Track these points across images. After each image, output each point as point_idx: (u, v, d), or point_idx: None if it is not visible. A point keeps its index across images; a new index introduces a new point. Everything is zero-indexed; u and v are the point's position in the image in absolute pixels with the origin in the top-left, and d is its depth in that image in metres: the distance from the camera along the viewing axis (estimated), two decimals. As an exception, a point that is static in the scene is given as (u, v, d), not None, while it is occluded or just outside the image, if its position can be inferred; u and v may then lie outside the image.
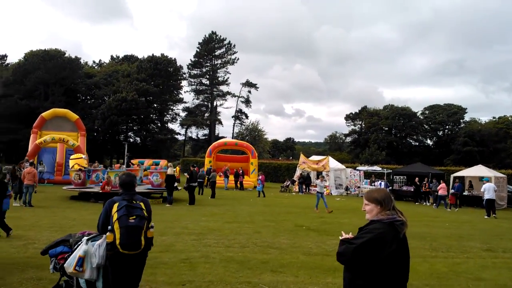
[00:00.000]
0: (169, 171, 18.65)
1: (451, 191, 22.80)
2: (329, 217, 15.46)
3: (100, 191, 16.68)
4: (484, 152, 57.80)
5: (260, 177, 25.27)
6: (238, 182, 29.94)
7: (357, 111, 78.26)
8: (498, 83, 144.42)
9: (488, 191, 18.70)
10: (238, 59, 68.96)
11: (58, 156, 29.32)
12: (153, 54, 67.65)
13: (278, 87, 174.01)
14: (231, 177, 30.23)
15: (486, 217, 18.15)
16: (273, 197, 25.12)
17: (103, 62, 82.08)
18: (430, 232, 12.60)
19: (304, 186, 29.56)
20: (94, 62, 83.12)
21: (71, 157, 25.14)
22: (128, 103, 58.83)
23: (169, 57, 67.36)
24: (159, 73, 65.42)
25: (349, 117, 79.62)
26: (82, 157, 23.89)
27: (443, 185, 21.98)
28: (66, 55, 67.72)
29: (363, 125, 74.58)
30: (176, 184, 18.83)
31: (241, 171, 30.55)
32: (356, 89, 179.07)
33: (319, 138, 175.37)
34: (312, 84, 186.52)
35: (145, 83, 63.42)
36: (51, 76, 62.22)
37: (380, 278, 2.81)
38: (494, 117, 67.47)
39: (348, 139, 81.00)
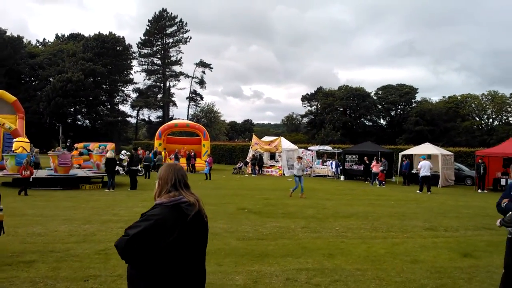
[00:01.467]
0: (109, 154, 17.52)
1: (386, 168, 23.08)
2: (275, 199, 14.98)
3: (20, 176, 15.25)
4: (434, 131, 59.79)
5: (207, 159, 24.56)
6: (190, 164, 29.03)
7: (313, 92, 78.72)
8: (448, 64, 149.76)
9: (423, 168, 19.59)
10: (190, 38, 67.02)
11: (-7, 141, 27.08)
12: (99, 32, 64.36)
13: (235, 69, 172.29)
14: (183, 160, 29.24)
15: (418, 191, 19.20)
16: (224, 179, 24.48)
17: (47, 41, 77.38)
18: (374, 211, 12.39)
19: (257, 168, 29.08)
20: (38, 41, 78.18)
21: (16, 139, 23.67)
22: (74, 83, 55.88)
23: (117, 36, 64.32)
24: (106, 52, 62.41)
25: (305, 98, 79.95)
26: (27, 141, 22.55)
27: (375, 162, 22.87)
28: (8, 33, 63.18)
29: (319, 106, 75.08)
30: (117, 168, 17.72)
31: (193, 154, 29.63)
32: (313, 70, 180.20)
33: (277, 119, 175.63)
34: (269, 65, 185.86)
35: (91, 63, 60.41)
36: (-10, 56, 57.91)
37: (160, 270, 2.36)
38: (444, 97, 69.84)
39: (305, 120, 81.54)
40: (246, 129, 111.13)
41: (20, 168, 15.14)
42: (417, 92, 70.08)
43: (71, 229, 8.58)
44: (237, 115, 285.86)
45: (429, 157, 24.89)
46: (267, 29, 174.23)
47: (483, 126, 64.03)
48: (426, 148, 24.68)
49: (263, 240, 8.10)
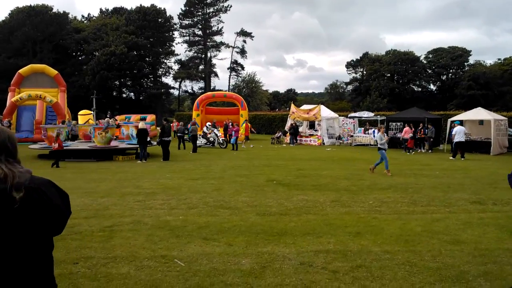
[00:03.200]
0: (141, 125, 17.33)
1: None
2: (309, 169, 14.21)
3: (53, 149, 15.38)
4: (488, 95, 55.71)
5: (234, 128, 24.07)
6: (228, 135, 28.65)
7: (359, 58, 75.46)
8: (502, 25, 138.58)
9: (458, 133, 19.09)
10: (231, 6, 65.67)
11: (37, 114, 28.04)
12: (141, 5, 64.45)
13: (277, 37, 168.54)
14: (221, 130, 28.88)
15: (451, 158, 18.70)
16: (261, 149, 23.95)
17: (92, 16, 78.75)
18: (415, 183, 11.35)
19: (296, 137, 28.22)
20: (83, 16, 79.81)
21: (80, 112, 25.48)
22: (118, 57, 56.70)
23: (158, 7, 64.16)
24: (148, 24, 62.57)
25: (350, 65, 76.95)
26: (91, 113, 23.83)
27: (406, 128, 22.18)
28: (54, 10, 64.76)
29: (365, 73, 71.99)
30: (149, 138, 17.59)
31: (230, 123, 29.15)
32: (358, 36, 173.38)
33: (321, 88, 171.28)
34: (313, 32, 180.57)
35: (134, 36, 60.84)
36: (38, 33, 59.81)
37: None
38: (499, 59, 64.58)
39: (349, 87, 78.81)
40: (289, 98, 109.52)
41: (52, 140, 15.29)
42: (470, 55, 65.26)
43: (86, 203, 8.33)
44: (280, 85, 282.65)
45: (481, 122, 22.97)
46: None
47: (545, 89, 58.76)
48: (478, 113, 22.70)
49: (286, 216, 7.44)
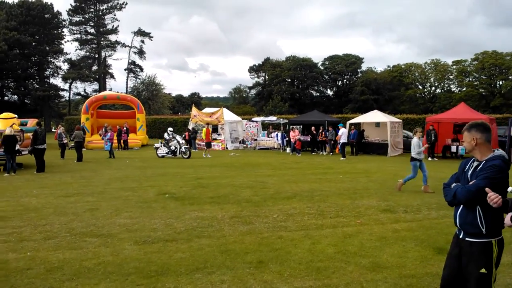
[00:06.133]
0: (8, 131, 14.45)
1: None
2: (208, 178, 12.78)
3: None
4: (379, 100, 59.90)
5: (108, 134, 21.36)
6: (122, 140, 26.08)
7: (260, 63, 76.39)
8: (387, 35, 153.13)
9: (344, 135, 20.36)
10: (126, 3, 61.66)
11: None
12: (24, -1, 57.61)
13: (178, 40, 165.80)
14: (114, 136, 26.14)
15: (342, 159, 19.51)
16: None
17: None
18: (320, 189, 10.56)
19: (197, 142, 26.66)
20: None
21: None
22: (-5, 55, 49.70)
23: (44, 2, 57.86)
24: (32, 20, 56.12)
25: (253, 69, 77.59)
26: (14, 117, 19.33)
27: (295, 131, 22.96)
28: None
29: (267, 77, 73.02)
30: (18, 147, 14.69)
31: (125, 128, 26.59)
32: (257, 42, 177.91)
33: (225, 92, 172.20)
34: (213, 37, 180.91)
35: (16, 32, 54.03)
36: None
37: None
38: (388, 66, 70.05)
39: (253, 91, 79.37)
40: (193, 102, 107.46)
41: None
42: (363, 62, 69.88)
43: None
44: (184, 89, 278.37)
45: (377, 125, 23.73)
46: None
47: (426, 94, 65.04)
48: (375, 115, 23.43)
49: (172, 243, 5.90)
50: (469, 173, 2.93)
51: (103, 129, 25.92)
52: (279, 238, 6.10)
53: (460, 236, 2.97)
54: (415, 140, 10.42)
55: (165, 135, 21.57)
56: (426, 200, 9.04)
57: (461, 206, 2.92)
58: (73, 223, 7.03)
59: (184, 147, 20.57)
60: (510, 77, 53.23)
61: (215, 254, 5.35)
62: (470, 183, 2.82)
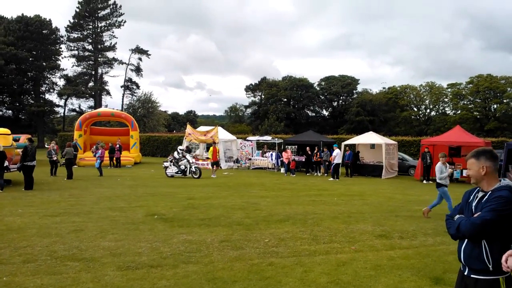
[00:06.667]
0: (-4, 147, 14.15)
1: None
2: (200, 198, 12.50)
3: None
4: (374, 121, 60.07)
5: (99, 151, 21.12)
6: (114, 158, 25.76)
7: (257, 82, 76.77)
8: (381, 58, 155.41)
9: (339, 156, 20.42)
10: (125, 21, 62.07)
11: None
12: (23, 14, 57.94)
13: (175, 58, 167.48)
14: (106, 153, 25.83)
15: (331, 179, 19.85)
16: (151, 174, 21.59)
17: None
18: (314, 212, 10.32)
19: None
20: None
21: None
22: (-9, 70, 49.60)
23: (42, 18, 58.20)
24: (30, 35, 56.33)
25: (249, 89, 77.87)
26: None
27: (288, 151, 23.05)
28: None
29: (263, 96, 73.27)
30: (6, 163, 14.37)
31: (118, 146, 26.30)
32: (254, 61, 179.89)
33: (221, 111, 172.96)
34: (210, 55, 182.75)
35: (13, 47, 54.11)
36: None
37: None
38: (384, 88, 70.53)
39: (249, 110, 79.50)
40: (189, 120, 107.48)
41: None
42: (359, 83, 70.29)
43: None
44: (180, 106, 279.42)
45: (372, 146, 23.63)
46: (206, 18, 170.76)
47: (421, 116, 65.36)
48: (370, 137, 23.34)
49: (157, 268, 5.62)
50: (474, 204, 2.71)
51: (95, 146, 25.65)
52: (270, 265, 5.84)
53: (465, 273, 2.72)
54: (438, 165, 10.01)
55: (175, 154, 20.84)
56: (422, 225, 8.81)
57: (466, 240, 2.69)
58: (56, 245, 6.73)
59: (195, 167, 19.76)
60: (505, 101, 53.61)
61: (202, 283, 5.08)
62: (475, 215, 2.61)
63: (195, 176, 19.35)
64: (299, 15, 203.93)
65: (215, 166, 20.99)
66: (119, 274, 5.37)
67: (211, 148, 21.79)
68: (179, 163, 19.97)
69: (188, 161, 19.82)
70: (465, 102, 59.59)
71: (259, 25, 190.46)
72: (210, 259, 6.13)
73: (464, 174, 19.50)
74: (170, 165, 20.14)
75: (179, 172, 19.77)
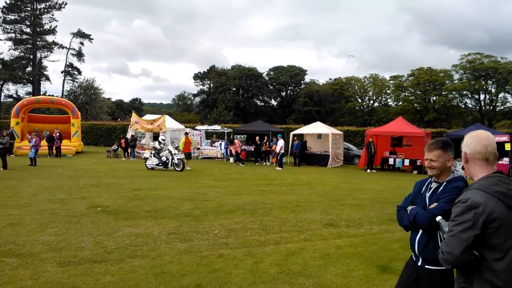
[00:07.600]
0: None
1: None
2: (146, 189, 12.14)
3: None
4: (321, 111, 61.48)
5: (34, 140, 19.69)
6: (54, 147, 24.39)
7: (206, 71, 75.76)
8: (328, 49, 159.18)
9: (282, 146, 20.94)
10: (66, 3, 58.48)
11: None
12: None
13: (119, 44, 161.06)
14: (44, 142, 24.39)
15: (278, 168, 20.26)
16: (94, 164, 20.71)
17: None
18: (264, 202, 10.35)
19: (137, 150, 25.58)
20: None
21: None
22: None
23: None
24: (-41, 15, 51.63)
25: (198, 77, 76.67)
26: None
27: (237, 141, 23.58)
28: None
29: (212, 85, 72.51)
30: None
31: (57, 134, 24.89)
32: (202, 49, 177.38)
33: (168, 99, 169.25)
34: (156, 42, 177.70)
35: None
36: None
37: None
38: (330, 79, 72.21)
39: (197, 99, 78.42)
40: (135, 108, 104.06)
41: None
42: (306, 74, 71.45)
43: None
44: (125, 94, 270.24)
45: (319, 136, 24.14)
46: (151, 3, 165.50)
47: (365, 107, 67.75)
48: (317, 127, 23.82)
49: (101, 264, 5.35)
50: (428, 195, 2.71)
51: (32, 134, 24.14)
52: (220, 257, 5.75)
53: (419, 264, 2.71)
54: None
55: (156, 144, 19.61)
56: (367, 214, 9.10)
57: (420, 231, 2.68)
58: (-14, 243, 6.22)
59: (177, 159, 18.23)
60: (443, 93, 56.69)
61: (149, 277, 4.89)
62: (432, 205, 2.61)
63: (177, 169, 18.01)
64: (249, 3, 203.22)
65: (187, 158, 19.66)
66: (60, 270, 5.04)
67: (183, 139, 20.39)
68: (160, 155, 18.68)
69: (170, 152, 18.46)
70: (406, 94, 62.36)
71: (208, 12, 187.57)
72: (158, 252, 5.93)
73: (405, 164, 20.49)
74: (151, 157, 18.86)
75: (160, 164, 18.43)
